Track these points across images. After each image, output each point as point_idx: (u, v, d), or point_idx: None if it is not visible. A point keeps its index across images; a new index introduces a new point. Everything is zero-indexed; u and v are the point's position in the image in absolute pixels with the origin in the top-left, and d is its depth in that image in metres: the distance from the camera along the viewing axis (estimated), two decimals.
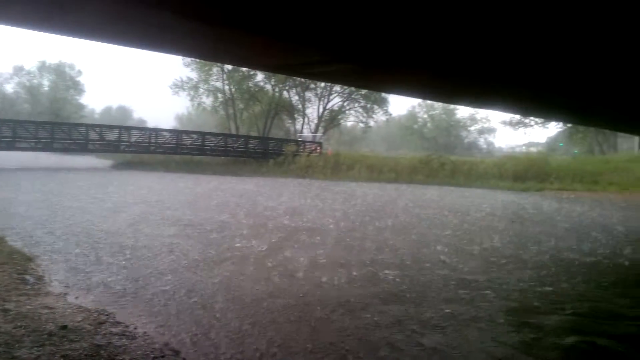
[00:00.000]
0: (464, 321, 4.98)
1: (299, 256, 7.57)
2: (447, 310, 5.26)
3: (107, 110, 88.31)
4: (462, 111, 64.38)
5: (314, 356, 4.08)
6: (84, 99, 69.94)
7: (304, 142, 36.93)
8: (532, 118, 40.74)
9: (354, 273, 6.71)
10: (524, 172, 27.75)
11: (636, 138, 30.06)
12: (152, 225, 9.82)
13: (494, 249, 8.91)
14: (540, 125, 44.22)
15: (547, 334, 4.72)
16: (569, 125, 38.74)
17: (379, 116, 47.52)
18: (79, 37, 4.93)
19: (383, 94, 42.73)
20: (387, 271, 6.88)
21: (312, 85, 42.63)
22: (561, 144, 56.47)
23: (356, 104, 45.33)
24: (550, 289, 6.34)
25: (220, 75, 40.59)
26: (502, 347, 4.40)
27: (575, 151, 45.09)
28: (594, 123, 14.52)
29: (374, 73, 5.70)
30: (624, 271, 7.79)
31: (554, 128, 48.96)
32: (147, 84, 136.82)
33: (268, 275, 6.46)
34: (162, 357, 3.86)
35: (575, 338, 4.65)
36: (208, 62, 36.77)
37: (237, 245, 8.31)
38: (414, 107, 67.99)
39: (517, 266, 7.55)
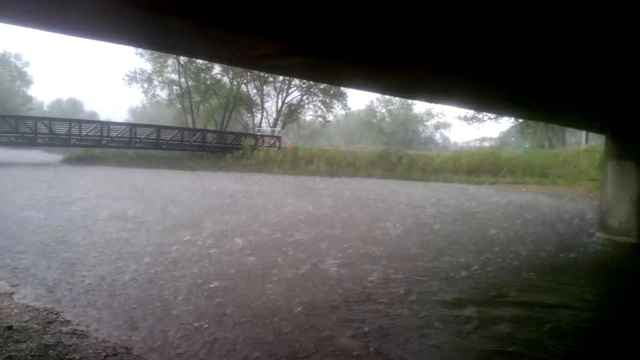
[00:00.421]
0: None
1: (239, 249, 7.55)
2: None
3: (57, 103, 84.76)
4: (419, 106, 65.62)
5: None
6: (32, 91, 66.94)
7: (262, 136, 36.65)
8: (485, 113, 42.02)
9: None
10: (478, 166, 28.64)
11: (583, 133, 31.46)
12: (101, 222, 9.52)
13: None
14: (493, 120, 45.71)
15: None
16: (520, 120, 40.19)
17: (338, 110, 47.69)
18: (22, 25, 4.69)
19: (342, 88, 42.92)
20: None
21: (271, 79, 42.30)
22: (513, 139, 58.48)
23: (315, 98, 45.30)
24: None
25: (175, 67, 39.64)
26: None
27: (527, 145, 46.77)
28: (543, 118, 15.08)
29: (330, 66, 5.70)
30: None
31: (506, 123, 50.73)
32: (99, 75, 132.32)
33: (212, 270, 6.39)
34: (115, 354, 3.77)
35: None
36: (162, 54, 35.86)
37: (186, 239, 8.21)
38: (372, 101, 68.79)
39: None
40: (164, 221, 9.84)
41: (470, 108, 29.90)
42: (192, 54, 9.58)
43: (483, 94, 7.89)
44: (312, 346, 4.10)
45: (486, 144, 57.76)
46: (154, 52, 35.65)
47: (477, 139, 67.44)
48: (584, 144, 33.23)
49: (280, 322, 4.63)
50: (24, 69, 62.88)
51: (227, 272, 6.31)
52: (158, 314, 4.73)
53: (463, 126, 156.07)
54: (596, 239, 10.17)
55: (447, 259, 7.59)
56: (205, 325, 4.47)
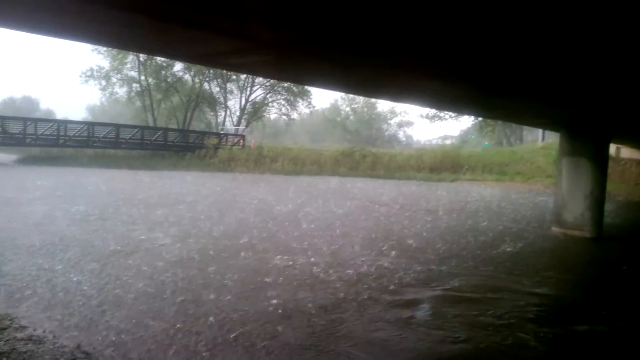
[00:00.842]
0: None
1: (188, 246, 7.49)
2: None
3: (10, 101, 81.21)
4: (383, 105, 66.40)
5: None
6: None
7: (226, 134, 36.26)
8: (446, 112, 42.92)
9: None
10: (439, 164, 29.26)
11: (540, 130, 32.59)
12: (56, 223, 9.20)
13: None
14: (454, 118, 46.79)
15: None
16: (480, 119, 41.29)
17: (303, 108, 47.72)
18: None
19: (306, 87, 42.94)
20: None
21: (234, 77, 41.89)
22: (473, 137, 59.99)
23: (279, 96, 45.16)
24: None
25: (135, 64, 38.68)
26: None
27: (486, 143, 48.05)
28: (500, 116, 15.53)
29: (290, 65, 5.70)
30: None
31: (467, 121, 52.04)
32: (55, 73, 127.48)
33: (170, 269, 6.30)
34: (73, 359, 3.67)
35: None
36: (121, 50, 34.93)
37: (142, 237, 8.06)
38: (337, 100, 69.13)
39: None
40: (121, 221, 9.60)
41: (431, 107, 30.49)
42: (149, 51, 9.38)
43: (442, 92, 8.06)
44: None
45: (448, 142, 59.08)
46: (111, 49, 34.71)
47: (439, 137, 68.94)
48: (540, 141, 34.48)
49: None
50: None
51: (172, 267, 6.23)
52: (117, 315, 4.63)
53: (426, 124, 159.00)
54: (551, 233, 10.56)
55: (400, 259, 7.72)
56: (159, 324, 4.40)
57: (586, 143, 10.41)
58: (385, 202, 14.89)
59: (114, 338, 4.11)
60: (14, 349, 3.76)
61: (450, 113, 43.09)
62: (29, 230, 8.36)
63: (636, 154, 23.90)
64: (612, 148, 23.35)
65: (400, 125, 70.62)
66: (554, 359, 4.24)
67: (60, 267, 6.22)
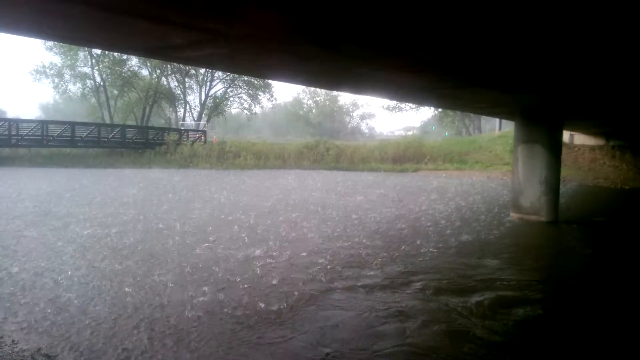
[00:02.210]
0: None
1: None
2: None
3: None
4: (345, 97, 66.78)
5: None
6: None
7: (186, 130, 35.63)
8: (407, 104, 43.58)
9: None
10: (402, 155, 29.70)
11: (497, 120, 33.51)
12: (10, 224, 8.86)
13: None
14: (414, 110, 47.59)
15: None
16: (439, 110, 42.12)
17: (265, 102, 47.42)
18: None
19: (267, 80, 42.66)
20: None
21: (193, 71, 41.19)
22: (433, 127, 61.16)
23: (240, 90, 44.68)
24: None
25: (88, 59, 37.42)
26: None
27: (447, 134, 49.08)
28: (457, 107, 15.88)
29: (246, 57, 5.64)
30: None
31: (427, 112, 52.95)
32: (5, 70, 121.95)
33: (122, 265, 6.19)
34: None
35: None
36: (73, 46, 33.74)
37: (99, 236, 7.85)
38: (299, 93, 69.06)
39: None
40: (75, 221, 9.31)
41: (391, 98, 30.78)
42: (99, 45, 9.11)
43: (400, 84, 8.17)
44: None
45: (410, 133, 60.00)
46: (63, 45, 33.51)
47: (401, 129, 69.93)
48: (497, 130, 35.47)
49: None
50: None
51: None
52: (77, 315, 4.50)
53: (387, 116, 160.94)
54: (509, 218, 10.90)
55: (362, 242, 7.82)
56: (127, 322, 4.30)
57: (540, 129, 10.76)
58: (349, 193, 15.00)
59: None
60: None
61: (410, 105, 43.83)
62: None
63: (589, 140, 24.94)
64: (566, 135, 24.30)
65: (363, 117, 71.33)
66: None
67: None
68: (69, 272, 5.94)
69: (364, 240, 8.10)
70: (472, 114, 39.19)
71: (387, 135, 69.04)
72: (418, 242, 8.06)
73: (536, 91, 8.57)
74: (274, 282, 5.69)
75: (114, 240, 7.84)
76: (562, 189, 11.83)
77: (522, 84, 7.74)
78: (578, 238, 9.11)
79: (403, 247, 7.64)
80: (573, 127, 21.34)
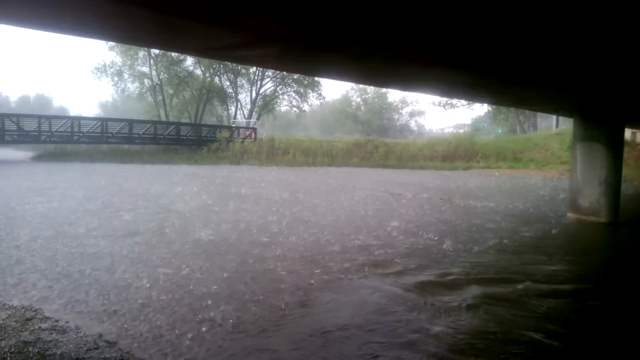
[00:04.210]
0: None
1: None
2: None
3: (24, 99, 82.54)
4: (394, 94, 66.11)
5: None
6: None
7: (237, 128, 36.42)
8: (459, 100, 42.66)
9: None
10: (453, 152, 29.15)
11: (554, 117, 32.26)
12: (75, 220, 9.37)
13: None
14: (466, 106, 46.52)
15: None
16: (493, 106, 40.97)
17: (313, 100, 47.79)
18: None
19: (316, 78, 42.96)
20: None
21: (244, 71, 42.04)
22: (485, 125, 59.52)
23: (289, 89, 45.25)
24: None
25: (146, 59, 39.02)
26: None
27: (499, 131, 47.69)
28: (513, 103, 15.41)
29: (299, 56, 5.73)
30: None
31: (480, 109, 51.62)
32: (67, 70, 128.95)
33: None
34: (96, 348, 3.78)
35: None
36: (133, 46, 35.25)
37: (167, 231, 8.16)
38: (347, 91, 68.99)
39: None
40: (138, 216, 9.74)
41: (442, 95, 30.27)
42: (156, 45, 9.45)
43: (453, 81, 8.03)
44: None
45: (461, 130, 58.68)
46: (123, 44, 35.04)
47: (452, 126, 68.49)
48: (554, 127, 34.14)
49: None
50: None
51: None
52: (138, 306, 4.74)
53: (438, 113, 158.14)
54: (567, 219, 10.49)
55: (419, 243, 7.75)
56: (172, 317, 4.49)
57: (600, 128, 10.29)
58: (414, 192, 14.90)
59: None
60: (39, 338, 3.88)
61: (462, 101, 42.89)
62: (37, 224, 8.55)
63: None
64: (628, 133, 23.06)
65: (412, 114, 70.27)
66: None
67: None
68: None
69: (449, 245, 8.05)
70: (527, 111, 37.90)
71: (437, 132, 67.85)
72: (466, 245, 7.92)
73: (595, 89, 8.21)
74: None
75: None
76: (623, 189, 11.26)
77: (580, 82, 7.45)
78: (638, 239, 8.68)
79: (463, 245, 7.54)
80: (635, 125, 20.24)
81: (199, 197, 12.78)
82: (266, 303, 4.87)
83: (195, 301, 4.89)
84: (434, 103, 51.75)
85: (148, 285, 5.37)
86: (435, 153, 29.39)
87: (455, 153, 29.10)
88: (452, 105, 46.46)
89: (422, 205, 12.19)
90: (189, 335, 4.07)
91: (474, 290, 5.35)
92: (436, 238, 8.08)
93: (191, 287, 5.32)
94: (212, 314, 4.53)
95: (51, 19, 4.28)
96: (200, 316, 4.49)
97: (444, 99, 45.63)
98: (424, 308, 4.81)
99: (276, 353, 3.80)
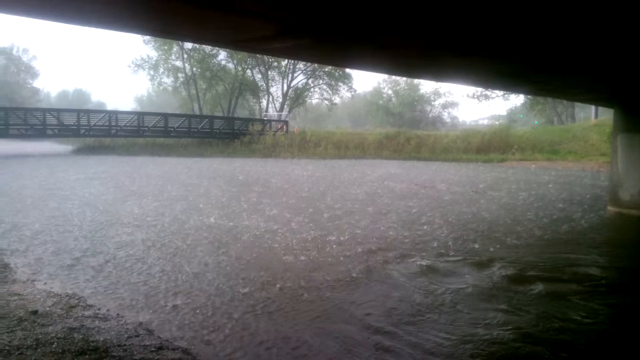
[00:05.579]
0: None
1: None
2: None
3: (64, 94, 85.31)
4: (426, 86, 65.07)
5: None
6: (38, 83, 67.56)
7: (269, 121, 36.68)
8: (493, 91, 41.70)
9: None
10: (487, 144, 28.54)
11: (593, 107, 31.14)
12: (120, 211, 9.67)
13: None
14: (501, 97, 45.39)
15: None
16: (529, 96, 39.87)
17: (344, 92, 47.63)
18: (25, 15, 4.76)
19: (347, 71, 42.79)
20: None
21: (275, 64, 42.22)
22: (521, 116, 58.06)
23: (320, 81, 45.23)
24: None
25: (180, 54, 39.70)
26: None
27: (536, 122, 46.41)
28: (550, 93, 14.95)
29: (330, 48, 5.71)
30: None
31: (515, 100, 50.39)
32: (104, 66, 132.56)
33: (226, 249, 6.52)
34: (137, 336, 3.91)
35: None
36: (167, 41, 35.89)
37: (211, 220, 8.33)
38: (379, 83, 68.47)
39: None
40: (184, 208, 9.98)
41: (477, 86, 29.67)
42: (192, 38, 9.57)
43: (489, 71, 7.86)
44: None
45: (495, 122, 57.42)
46: (158, 39, 35.74)
47: (486, 117, 67.11)
48: (593, 118, 32.94)
49: None
50: (30, 62, 63.36)
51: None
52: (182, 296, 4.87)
53: (472, 104, 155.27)
54: (607, 212, 10.17)
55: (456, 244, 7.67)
56: (220, 298, 4.59)
57: None
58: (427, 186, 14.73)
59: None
60: (83, 325, 4.04)
61: (497, 92, 41.92)
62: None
63: None
64: None
65: (445, 106, 68.96)
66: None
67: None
68: None
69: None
70: (565, 101, 36.74)
71: (471, 124, 66.63)
72: (507, 238, 7.79)
73: (637, 77, 7.89)
74: None
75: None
76: None
77: (621, 70, 7.16)
78: None
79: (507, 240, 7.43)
80: None
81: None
82: None
83: None
84: (467, 94, 50.70)
85: None
86: (469, 145, 28.84)
87: (490, 145, 28.48)
88: (487, 97, 45.39)
89: (460, 199, 12.03)
90: None
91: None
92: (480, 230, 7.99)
93: None
94: None
95: (88, 14, 4.39)
96: None
97: (478, 90, 44.64)
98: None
99: None
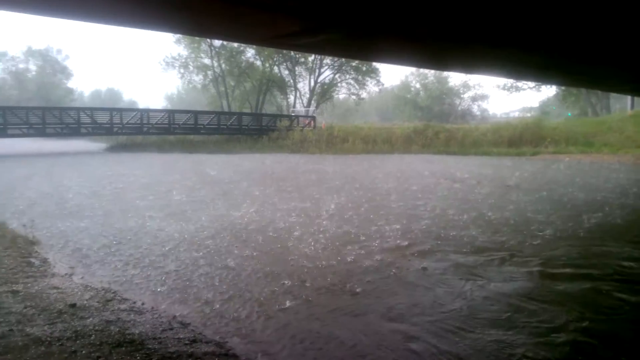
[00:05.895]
0: None
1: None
2: None
3: (97, 93, 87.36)
4: (455, 78, 64.11)
5: None
6: (72, 83, 69.39)
7: (297, 116, 36.74)
8: (525, 82, 40.75)
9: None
10: (519, 137, 27.87)
11: (629, 97, 30.04)
12: (156, 206, 9.85)
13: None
14: (533, 89, 44.31)
15: None
16: (562, 87, 38.79)
17: (372, 87, 47.38)
18: (57, 16, 4.88)
19: (374, 65, 42.48)
20: None
21: (302, 59, 42.26)
22: (554, 107, 56.55)
23: (347, 76, 45.06)
24: None
25: (209, 52, 40.18)
26: None
27: (569, 114, 45.13)
28: (585, 84, 14.51)
29: (361, 41, 5.68)
30: None
31: (547, 91, 49.09)
32: (135, 65, 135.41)
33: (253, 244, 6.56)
34: (171, 329, 3.97)
35: None
36: (196, 38, 36.36)
37: (235, 214, 8.40)
38: (406, 76, 67.52)
39: None
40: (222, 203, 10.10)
41: (508, 77, 29.03)
42: (225, 36, 9.68)
43: (522, 62, 7.68)
44: None
45: (527, 114, 56.10)
46: (188, 37, 36.26)
47: (517, 110, 65.60)
48: (629, 109, 31.79)
49: None
50: (64, 62, 65.21)
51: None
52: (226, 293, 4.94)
53: (502, 97, 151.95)
54: None
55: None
56: (258, 294, 4.63)
57: None
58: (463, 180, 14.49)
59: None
60: (119, 318, 4.13)
61: (529, 83, 40.94)
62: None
63: None
64: None
65: (475, 99, 67.67)
66: None
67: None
68: None
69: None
70: (599, 92, 35.59)
71: (501, 117, 65.15)
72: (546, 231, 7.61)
73: None
74: None
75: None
76: None
77: None
78: None
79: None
80: None
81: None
82: None
83: None
84: (497, 86, 49.52)
85: None
86: (500, 138, 28.19)
87: (522, 138, 27.78)
88: (518, 88, 44.36)
89: (505, 195, 11.81)
90: None
91: None
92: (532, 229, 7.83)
93: None
94: None
95: (122, 13, 4.48)
96: None
97: (509, 82, 43.66)
98: None
99: None
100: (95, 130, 29.38)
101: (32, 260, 5.91)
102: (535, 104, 65.28)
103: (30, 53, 63.04)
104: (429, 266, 5.68)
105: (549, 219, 8.39)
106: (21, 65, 63.37)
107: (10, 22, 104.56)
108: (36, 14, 4.81)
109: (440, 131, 30.17)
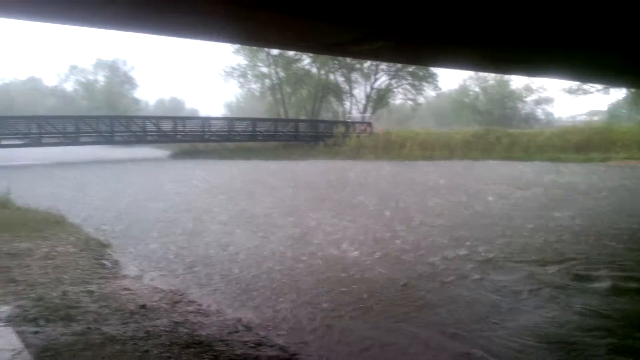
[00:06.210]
0: None
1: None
2: None
3: (160, 103, 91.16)
4: (517, 81, 61.73)
5: None
6: (137, 93, 72.91)
7: (353, 123, 36.67)
8: (592, 85, 38.74)
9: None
10: (587, 142, 26.41)
11: None
12: (228, 212, 10.13)
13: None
14: (601, 91, 41.99)
15: None
16: (632, 90, 36.53)
17: (429, 92, 46.66)
18: (123, 30, 5.19)
19: (432, 70, 41.80)
20: None
21: (358, 66, 42.25)
22: (624, 111, 53.33)
23: (404, 82, 44.60)
24: None
25: (266, 60, 41.04)
26: None
27: None
28: None
29: (420, 47, 5.64)
30: None
31: (617, 94, 46.34)
32: (195, 74, 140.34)
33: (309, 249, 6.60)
34: (236, 331, 4.09)
35: None
36: (254, 48, 37.23)
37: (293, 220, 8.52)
38: (465, 80, 65.87)
39: None
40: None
41: (574, 80, 27.65)
42: (283, 45, 9.88)
43: (590, 64, 7.33)
44: None
45: (595, 118, 53.22)
46: (246, 47, 37.20)
47: (584, 113, 62.34)
48: None
49: None
50: (130, 73, 68.71)
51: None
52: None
53: (568, 100, 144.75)
54: None
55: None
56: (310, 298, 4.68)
57: None
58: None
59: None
60: (187, 319, 4.30)
61: (597, 86, 38.87)
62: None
63: None
64: None
65: (538, 102, 64.91)
66: None
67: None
68: None
69: None
70: None
71: (567, 120, 62.13)
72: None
73: None
74: None
75: None
76: None
77: None
78: None
79: None
80: None
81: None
82: None
83: None
84: (563, 89, 47.37)
85: None
86: (566, 143, 26.79)
87: (590, 143, 26.27)
88: (584, 91, 42.18)
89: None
90: None
91: None
92: None
93: None
94: None
95: (186, 26, 4.69)
96: None
97: (575, 85, 41.61)
98: None
99: None
100: (160, 137, 30.78)
101: (104, 262, 6.25)
102: (604, 107, 61.77)
103: (99, 65, 66.91)
104: None
105: None
106: (90, 77, 67.40)
107: (81, 36, 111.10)
108: (101, 27, 5.13)
109: (502, 136, 29.07)
